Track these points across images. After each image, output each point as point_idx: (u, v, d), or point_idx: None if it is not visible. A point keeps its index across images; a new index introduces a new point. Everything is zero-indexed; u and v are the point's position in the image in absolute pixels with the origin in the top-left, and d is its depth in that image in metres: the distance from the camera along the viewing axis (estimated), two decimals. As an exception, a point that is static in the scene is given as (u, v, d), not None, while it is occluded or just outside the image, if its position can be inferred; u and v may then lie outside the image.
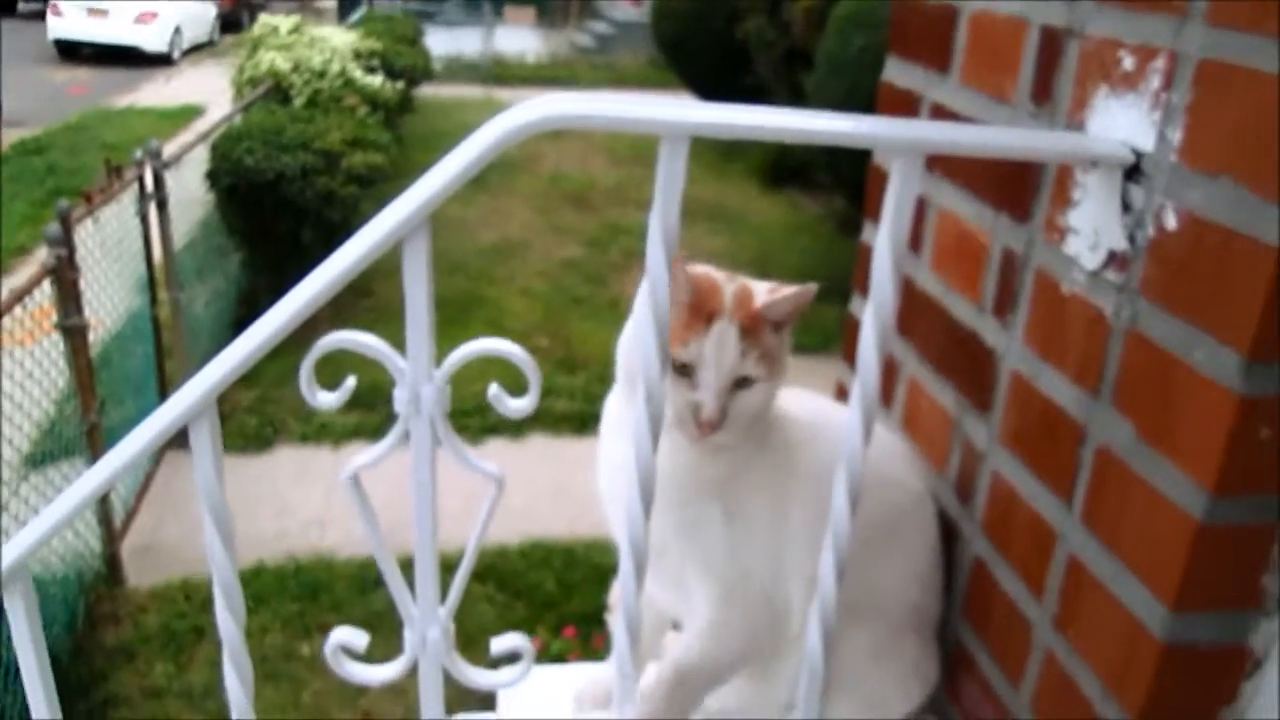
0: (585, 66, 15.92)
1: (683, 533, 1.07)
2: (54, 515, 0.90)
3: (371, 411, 4.61)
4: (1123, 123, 0.87)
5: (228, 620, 0.93)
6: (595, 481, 1.16)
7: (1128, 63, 0.87)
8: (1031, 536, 1.00)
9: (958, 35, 1.15)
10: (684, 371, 1.00)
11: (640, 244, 0.86)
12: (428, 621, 0.94)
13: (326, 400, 0.86)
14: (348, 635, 0.96)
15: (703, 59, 9.14)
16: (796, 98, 6.98)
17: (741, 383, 1.01)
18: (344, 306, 5.43)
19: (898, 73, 1.30)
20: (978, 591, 1.11)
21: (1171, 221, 0.80)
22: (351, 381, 0.87)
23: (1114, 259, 0.87)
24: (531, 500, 4.33)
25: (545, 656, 3.30)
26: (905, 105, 1.27)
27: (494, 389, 0.87)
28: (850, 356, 1.45)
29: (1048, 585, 0.97)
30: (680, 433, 1.01)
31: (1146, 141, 0.84)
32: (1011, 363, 1.04)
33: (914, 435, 1.27)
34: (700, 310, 1.00)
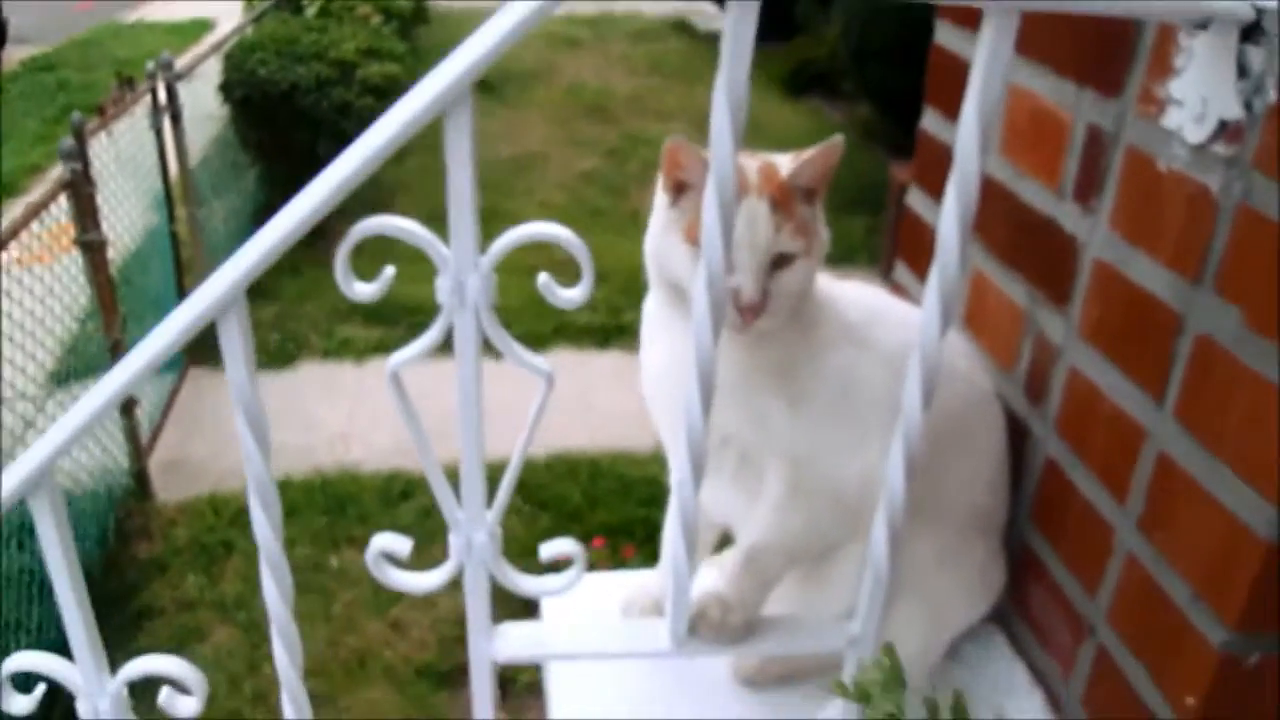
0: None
1: (748, 424, 1.01)
2: (77, 418, 0.85)
3: (395, 326, 4.56)
4: (1238, -23, 0.78)
5: (263, 525, 0.88)
6: (641, 388, 1.10)
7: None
8: (1115, 435, 0.94)
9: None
10: None
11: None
12: (474, 525, 0.90)
13: (364, 291, 0.80)
14: (390, 542, 0.91)
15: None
16: None
17: (779, 261, 0.94)
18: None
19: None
20: (1050, 494, 1.05)
21: (1299, 82, 0.72)
22: (390, 271, 0.81)
23: (1224, 130, 0.79)
24: (555, 413, 4.25)
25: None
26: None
27: (543, 277, 0.81)
28: (910, 255, 1.38)
29: (1133, 486, 0.92)
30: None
31: (1267, -4, 0.75)
32: (1095, 250, 0.97)
33: (979, 333, 1.20)
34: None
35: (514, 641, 0.97)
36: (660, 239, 0.97)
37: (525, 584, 0.93)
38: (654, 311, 1.06)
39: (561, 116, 7.98)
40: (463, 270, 0.79)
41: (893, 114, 5.35)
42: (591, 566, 3.44)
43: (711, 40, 9.63)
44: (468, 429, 0.86)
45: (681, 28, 9.99)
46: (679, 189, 0.95)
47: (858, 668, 0.99)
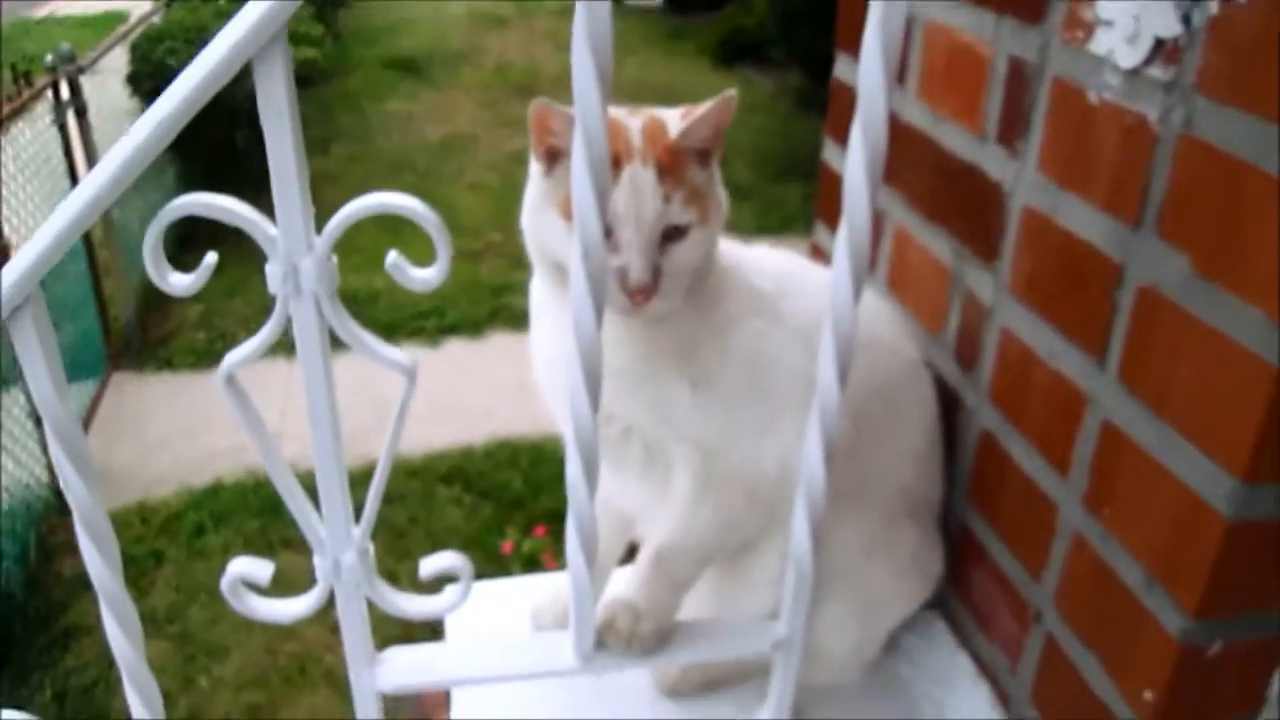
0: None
1: (649, 412, 0.91)
2: None
3: (324, 318, 4.43)
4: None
5: (96, 559, 0.76)
6: (533, 375, 0.99)
7: None
8: (1053, 402, 0.84)
9: None
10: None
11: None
12: (340, 545, 0.78)
13: (180, 283, 0.68)
14: (248, 567, 0.80)
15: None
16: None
17: (671, 234, 0.83)
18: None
19: None
20: (987, 470, 0.96)
21: (1243, -13, 0.63)
22: (212, 258, 0.69)
23: (1160, 50, 0.70)
24: (495, 399, 4.19)
25: (517, 557, 3.19)
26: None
27: (392, 256, 0.69)
28: (828, 214, 1.28)
29: (1075, 459, 0.82)
30: (610, 308, 0.83)
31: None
32: (1023, 197, 0.87)
33: (903, 295, 1.10)
34: (614, 132, 0.83)
35: (400, 668, 0.86)
36: (535, 214, 0.86)
37: (406, 605, 0.83)
38: (538, 292, 0.96)
39: (489, 97, 7.82)
40: (295, 254, 0.67)
41: (823, 79, 5.28)
42: (534, 556, 3.29)
43: (640, 14, 9.50)
44: (320, 434, 0.75)
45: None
46: (552, 157, 0.84)
47: (786, 671, 0.90)
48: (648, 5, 9.83)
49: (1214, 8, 0.65)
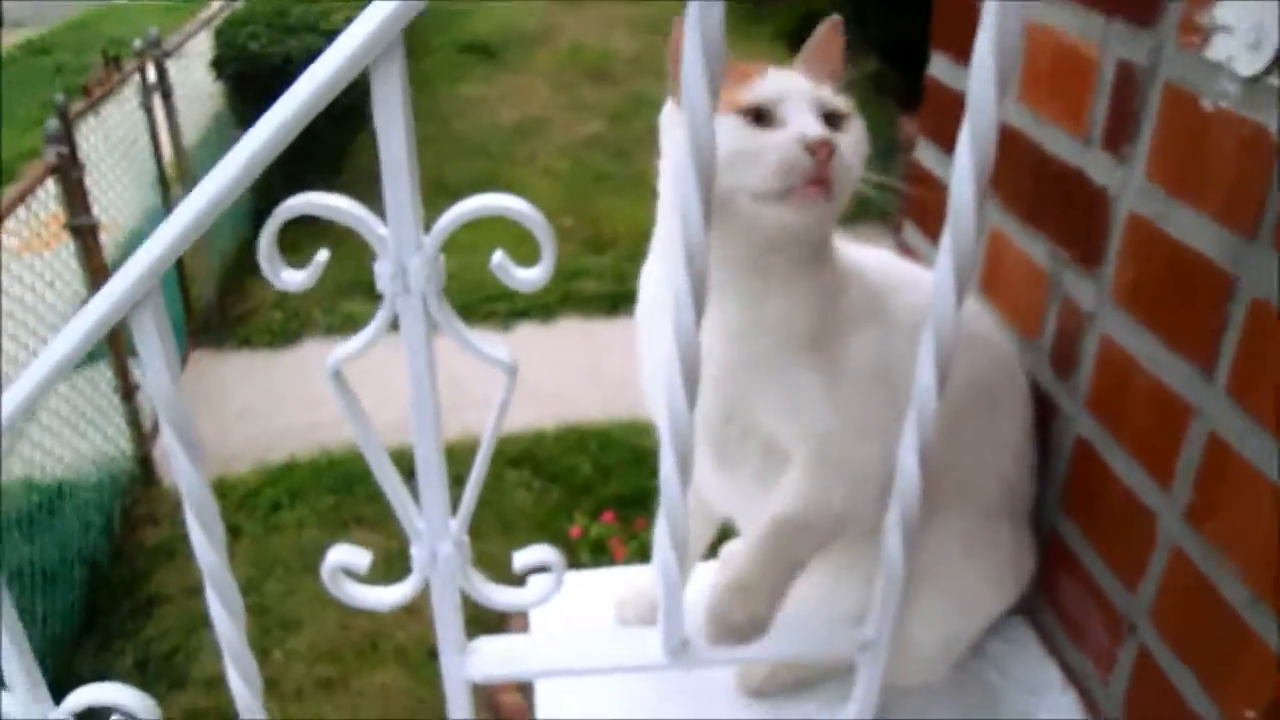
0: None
1: (781, 406, 0.88)
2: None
3: (398, 299, 4.49)
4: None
5: (202, 540, 0.79)
6: (642, 385, 0.97)
7: None
8: (1156, 412, 0.83)
9: None
10: (760, 119, 0.80)
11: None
12: (437, 536, 0.80)
13: (292, 279, 0.70)
14: (347, 555, 0.82)
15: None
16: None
17: (831, 120, 0.80)
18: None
19: None
20: (1082, 478, 0.95)
21: (1378, -4, 0.61)
22: (324, 255, 0.70)
23: (1282, 58, 0.68)
24: (564, 384, 4.22)
25: (585, 542, 3.21)
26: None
27: (497, 257, 0.70)
28: (920, 215, 1.27)
29: (1178, 471, 0.81)
30: (785, 208, 0.78)
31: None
32: (1130, 204, 0.85)
33: (997, 298, 1.09)
34: (745, 74, 0.82)
35: (489, 659, 0.88)
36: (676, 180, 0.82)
37: (498, 596, 0.84)
38: (652, 287, 0.93)
39: (563, 80, 7.84)
40: (404, 253, 0.68)
41: (900, 65, 5.20)
42: (602, 541, 3.30)
43: (715, -3, 9.42)
44: (423, 431, 0.76)
45: (683, -16, 9.82)
46: None
47: (870, 675, 0.90)
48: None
49: (1344, 15, 0.63)
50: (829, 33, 0.84)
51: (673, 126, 0.85)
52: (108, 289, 0.69)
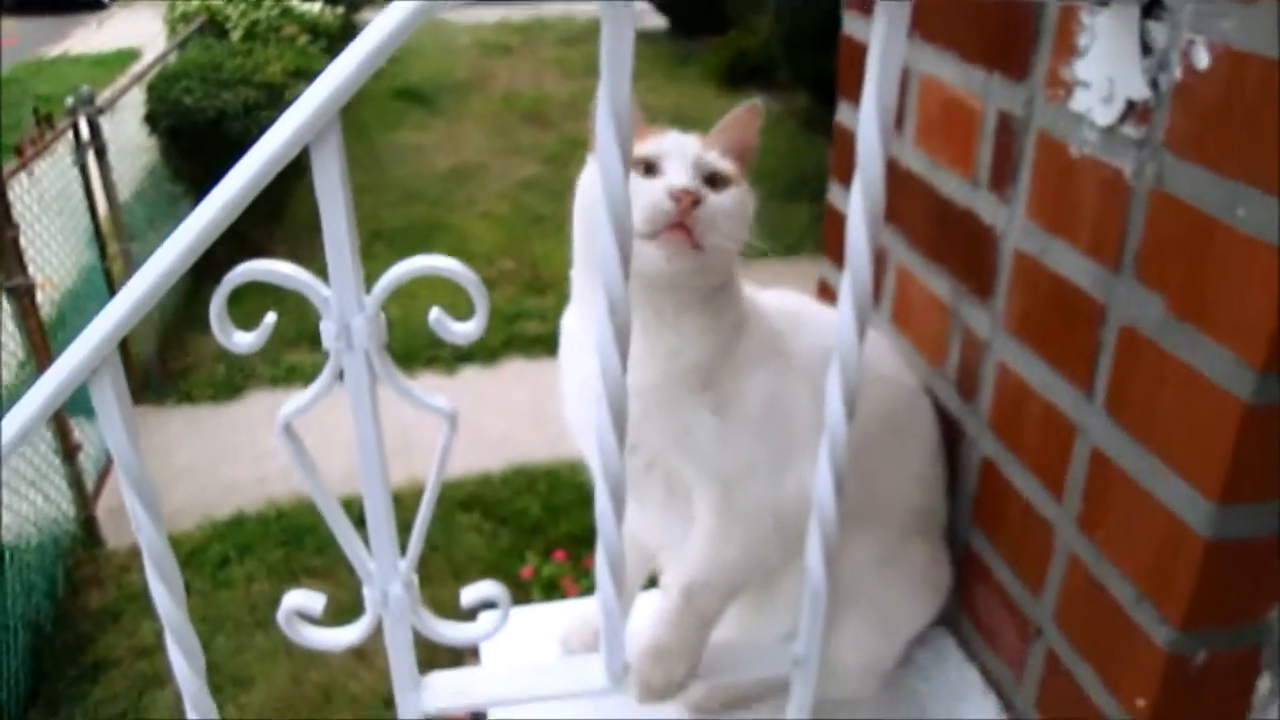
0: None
1: (672, 440, 0.94)
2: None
3: (340, 350, 4.50)
4: (1134, -49, 0.75)
5: (164, 596, 0.83)
6: (562, 414, 1.04)
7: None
8: (1047, 431, 0.91)
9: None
10: (648, 169, 0.88)
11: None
12: (388, 576, 0.85)
13: (243, 341, 0.75)
14: (302, 599, 0.86)
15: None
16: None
17: (712, 181, 0.88)
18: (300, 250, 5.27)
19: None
20: (989, 494, 1.02)
21: (1203, 59, 0.69)
22: (271, 318, 0.76)
23: (1132, 111, 0.76)
24: (511, 426, 4.24)
25: (537, 582, 3.23)
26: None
27: (435, 313, 0.76)
28: (833, 251, 1.34)
29: (1068, 483, 0.88)
30: (654, 248, 0.85)
31: (1165, -31, 0.72)
32: (1014, 240, 0.93)
33: (906, 329, 1.17)
34: (646, 134, 0.90)
35: (442, 692, 0.92)
36: (594, 188, 0.86)
37: (449, 632, 0.89)
38: (576, 326, 1.01)
39: (498, 125, 7.92)
40: (347, 313, 0.74)
41: (830, 100, 5.35)
42: (554, 580, 3.33)
43: (645, 38, 9.60)
44: (370, 478, 0.81)
45: (615, 27, 9.96)
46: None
47: (803, 689, 0.96)
48: (653, 29, 9.94)
49: (1178, 73, 0.72)
50: (746, 114, 0.91)
51: (589, 184, 0.93)
52: (64, 359, 0.73)
